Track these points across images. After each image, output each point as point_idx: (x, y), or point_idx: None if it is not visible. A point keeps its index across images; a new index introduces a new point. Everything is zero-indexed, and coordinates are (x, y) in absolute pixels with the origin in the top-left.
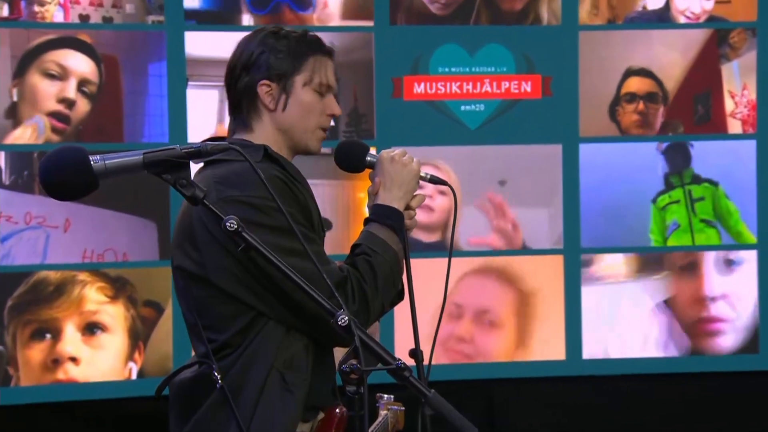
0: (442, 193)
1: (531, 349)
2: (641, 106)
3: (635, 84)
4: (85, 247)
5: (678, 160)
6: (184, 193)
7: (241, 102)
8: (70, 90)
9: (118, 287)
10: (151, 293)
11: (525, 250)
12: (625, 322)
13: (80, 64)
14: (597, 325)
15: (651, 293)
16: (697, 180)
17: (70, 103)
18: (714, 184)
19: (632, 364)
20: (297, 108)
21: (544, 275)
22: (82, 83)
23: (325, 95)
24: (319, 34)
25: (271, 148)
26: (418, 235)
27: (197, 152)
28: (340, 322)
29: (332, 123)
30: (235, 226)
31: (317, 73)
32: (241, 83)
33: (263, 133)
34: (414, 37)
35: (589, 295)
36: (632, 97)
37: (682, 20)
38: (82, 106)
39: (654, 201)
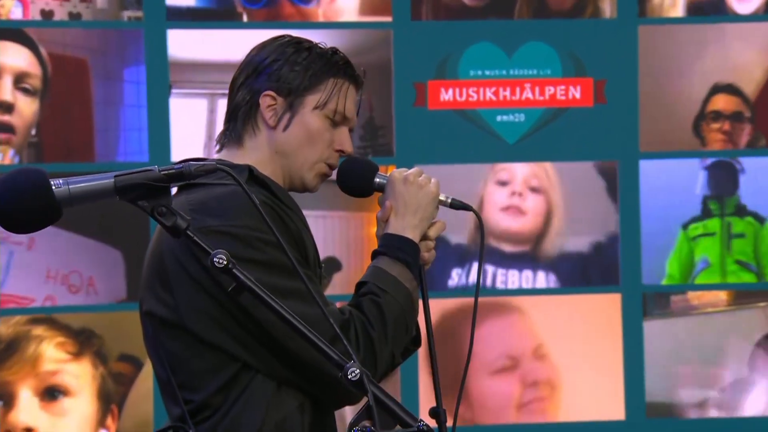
0: (534, 190)
1: (582, 407)
2: (726, 125)
3: (722, 102)
4: (48, 267)
5: (722, 181)
6: (163, 223)
7: (238, 111)
8: (4, 90)
9: (83, 341)
10: (126, 345)
11: (575, 288)
12: (704, 366)
13: (13, 56)
14: (664, 374)
15: (748, 327)
16: (740, 212)
17: (7, 107)
18: (760, 220)
19: (715, 426)
20: (300, 131)
21: (598, 317)
22: (20, 79)
23: (338, 126)
24: (326, 34)
25: (257, 169)
26: (501, 245)
27: (179, 174)
28: (350, 377)
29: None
30: (225, 262)
31: (334, 98)
32: (242, 90)
33: (256, 152)
34: (440, 34)
35: (653, 334)
36: (717, 116)
37: (738, 9)
38: (26, 107)
39: (684, 227)
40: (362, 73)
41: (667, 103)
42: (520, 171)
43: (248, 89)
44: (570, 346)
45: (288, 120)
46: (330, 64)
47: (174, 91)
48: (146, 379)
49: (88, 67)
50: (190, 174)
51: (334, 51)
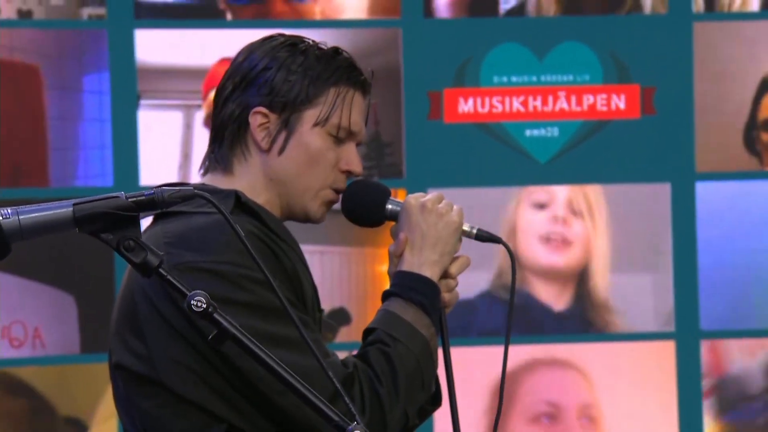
0: (577, 214)
1: None
2: None
3: None
4: None
5: None
6: (131, 260)
7: (224, 130)
8: None
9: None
10: (72, 406)
11: (621, 335)
12: None
13: None
14: None
15: None
16: None
17: None
18: None
19: None
20: (299, 154)
21: (649, 368)
22: None
23: (344, 143)
24: (323, 34)
25: (245, 195)
26: (538, 291)
27: (150, 202)
28: None
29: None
30: (204, 306)
31: (337, 112)
32: (229, 105)
33: (246, 178)
34: (459, 33)
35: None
36: None
37: None
38: None
39: None
40: (370, 74)
41: (728, 114)
42: (560, 190)
43: (236, 103)
44: (618, 402)
45: (284, 141)
46: (331, 70)
47: (143, 102)
48: None
49: (40, 74)
50: (163, 201)
51: (336, 52)
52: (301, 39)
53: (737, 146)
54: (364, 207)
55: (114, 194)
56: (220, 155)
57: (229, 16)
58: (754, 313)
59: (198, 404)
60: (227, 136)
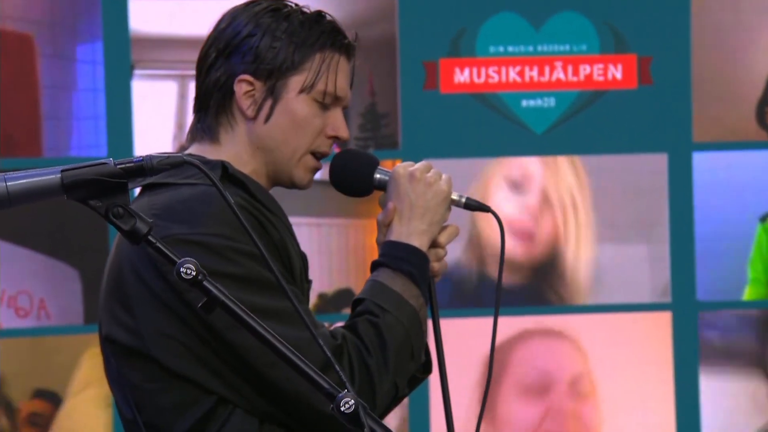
0: (550, 205)
1: None
2: None
3: None
4: None
5: None
6: (120, 227)
7: (209, 100)
8: None
9: None
10: (45, 377)
11: (617, 305)
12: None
13: None
14: (724, 414)
15: None
16: None
17: None
18: None
19: None
20: (285, 121)
21: (645, 340)
22: None
23: (330, 108)
24: (322, 3)
25: (232, 165)
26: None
27: (139, 168)
28: (343, 409)
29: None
30: (194, 273)
31: (322, 77)
32: (213, 73)
33: (232, 148)
34: (454, 3)
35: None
36: None
37: None
38: None
39: (763, 220)
40: (354, 37)
41: (726, 84)
42: (537, 172)
43: (220, 71)
44: (612, 374)
45: (269, 109)
46: (315, 35)
47: (137, 72)
48: (67, 419)
49: (33, 43)
50: (152, 168)
51: (320, 16)
52: (284, 3)
53: (744, 118)
54: (352, 176)
55: (102, 160)
56: (206, 125)
57: None
58: (709, 270)
59: (187, 377)
60: (212, 105)
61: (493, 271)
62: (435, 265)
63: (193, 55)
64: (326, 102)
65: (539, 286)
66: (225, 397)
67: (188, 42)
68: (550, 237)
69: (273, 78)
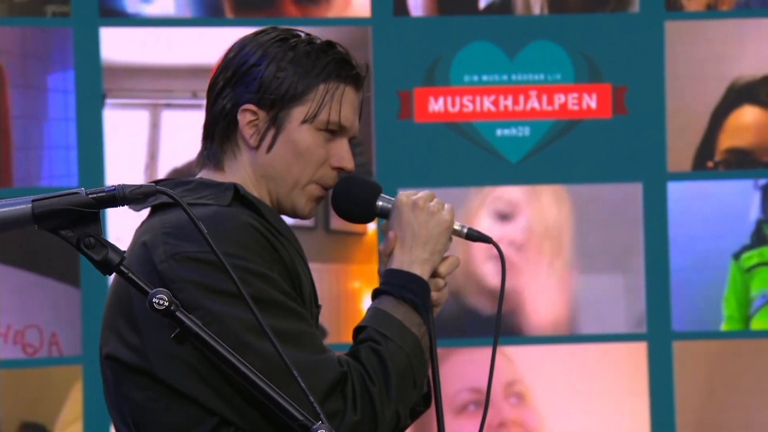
0: (536, 236)
1: None
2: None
3: (748, 115)
4: None
5: None
6: (91, 257)
7: (215, 128)
8: None
9: None
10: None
11: (591, 336)
12: None
13: None
14: None
15: None
16: None
17: None
18: None
19: None
20: (287, 151)
21: (620, 371)
22: None
23: (335, 138)
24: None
25: (243, 188)
26: (477, 302)
27: (111, 198)
28: None
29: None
30: (166, 304)
31: (326, 107)
32: (219, 102)
33: (237, 175)
34: (429, 32)
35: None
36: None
37: None
38: None
39: (736, 257)
40: (364, 68)
41: (700, 113)
42: (523, 198)
43: (226, 100)
44: (589, 405)
45: (272, 138)
46: (320, 66)
47: (108, 101)
48: None
49: (3, 72)
50: (124, 198)
51: (328, 45)
52: (293, 33)
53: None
54: (354, 203)
55: (74, 190)
56: (211, 152)
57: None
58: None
59: (191, 397)
60: (218, 133)
61: (473, 301)
62: (434, 295)
63: (166, 84)
64: (330, 131)
65: (513, 315)
66: (227, 418)
67: (160, 71)
68: (532, 267)
69: (276, 108)
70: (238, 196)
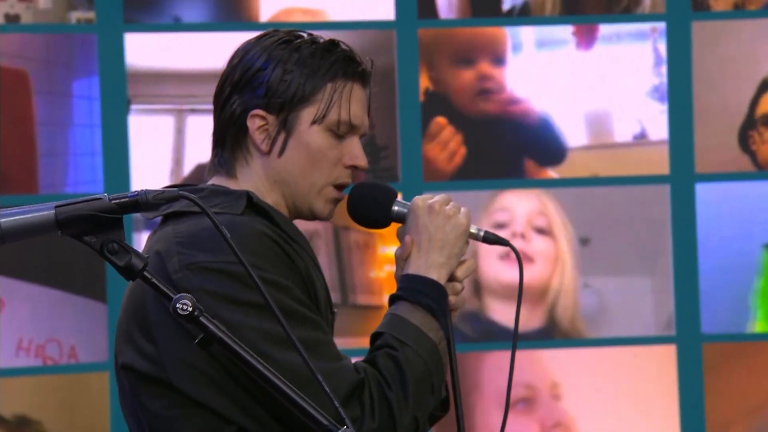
0: (541, 231)
1: None
2: None
3: None
4: (21, 336)
5: None
6: (115, 263)
7: (225, 135)
8: None
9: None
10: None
11: (621, 339)
12: None
13: None
14: None
15: None
16: None
17: None
18: None
19: None
20: (299, 154)
21: (650, 373)
22: None
23: (346, 138)
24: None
25: (256, 195)
26: (492, 311)
27: (134, 203)
28: None
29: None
30: (190, 309)
31: (335, 107)
32: (228, 109)
33: (250, 182)
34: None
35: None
36: None
37: None
38: None
39: None
40: (369, 64)
41: (727, 115)
42: (519, 209)
43: (234, 107)
44: (617, 410)
45: (283, 142)
46: (326, 66)
47: (133, 107)
48: None
49: (28, 79)
50: (147, 203)
51: (332, 44)
52: (296, 34)
53: (733, 147)
54: (370, 208)
55: (97, 196)
56: (223, 159)
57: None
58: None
59: (207, 406)
60: (228, 141)
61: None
62: (452, 299)
63: (191, 90)
64: (341, 132)
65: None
66: (244, 427)
67: (184, 76)
68: (547, 259)
69: (285, 111)
70: (251, 204)
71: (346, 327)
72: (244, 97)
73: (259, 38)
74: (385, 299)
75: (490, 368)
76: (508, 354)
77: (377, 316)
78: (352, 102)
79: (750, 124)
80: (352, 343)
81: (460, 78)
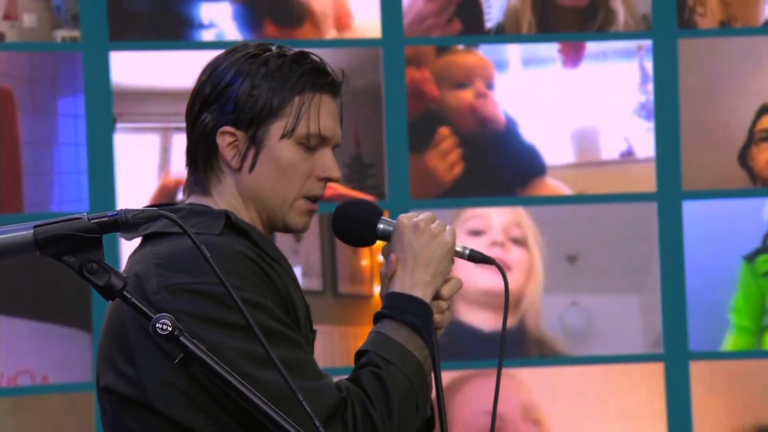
0: (516, 241)
1: None
2: None
3: None
4: None
5: None
6: (94, 283)
7: (196, 154)
8: None
9: None
10: None
11: (608, 357)
12: None
13: None
14: None
15: None
16: None
17: None
18: None
19: None
20: (270, 169)
21: (637, 391)
22: None
23: (317, 150)
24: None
25: (235, 215)
26: (472, 317)
27: (113, 223)
28: None
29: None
30: (170, 329)
31: (303, 119)
32: (198, 126)
33: (224, 200)
34: None
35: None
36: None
37: None
38: None
39: (750, 260)
40: (339, 74)
41: (715, 132)
42: (495, 218)
43: (204, 124)
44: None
45: (253, 158)
46: (294, 79)
47: (119, 125)
48: None
49: (13, 98)
50: (127, 223)
51: (301, 56)
52: (265, 47)
53: (728, 164)
54: (355, 226)
55: (76, 215)
56: (197, 178)
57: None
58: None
59: (188, 427)
60: (200, 159)
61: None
62: (437, 317)
63: (177, 108)
64: (311, 144)
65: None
66: None
67: (170, 94)
68: (523, 268)
69: (254, 126)
70: (230, 223)
71: (333, 315)
72: (214, 114)
73: (228, 53)
74: (375, 289)
75: (464, 394)
76: (482, 379)
77: (366, 306)
78: (321, 114)
79: (750, 140)
80: (341, 332)
81: (459, 98)
